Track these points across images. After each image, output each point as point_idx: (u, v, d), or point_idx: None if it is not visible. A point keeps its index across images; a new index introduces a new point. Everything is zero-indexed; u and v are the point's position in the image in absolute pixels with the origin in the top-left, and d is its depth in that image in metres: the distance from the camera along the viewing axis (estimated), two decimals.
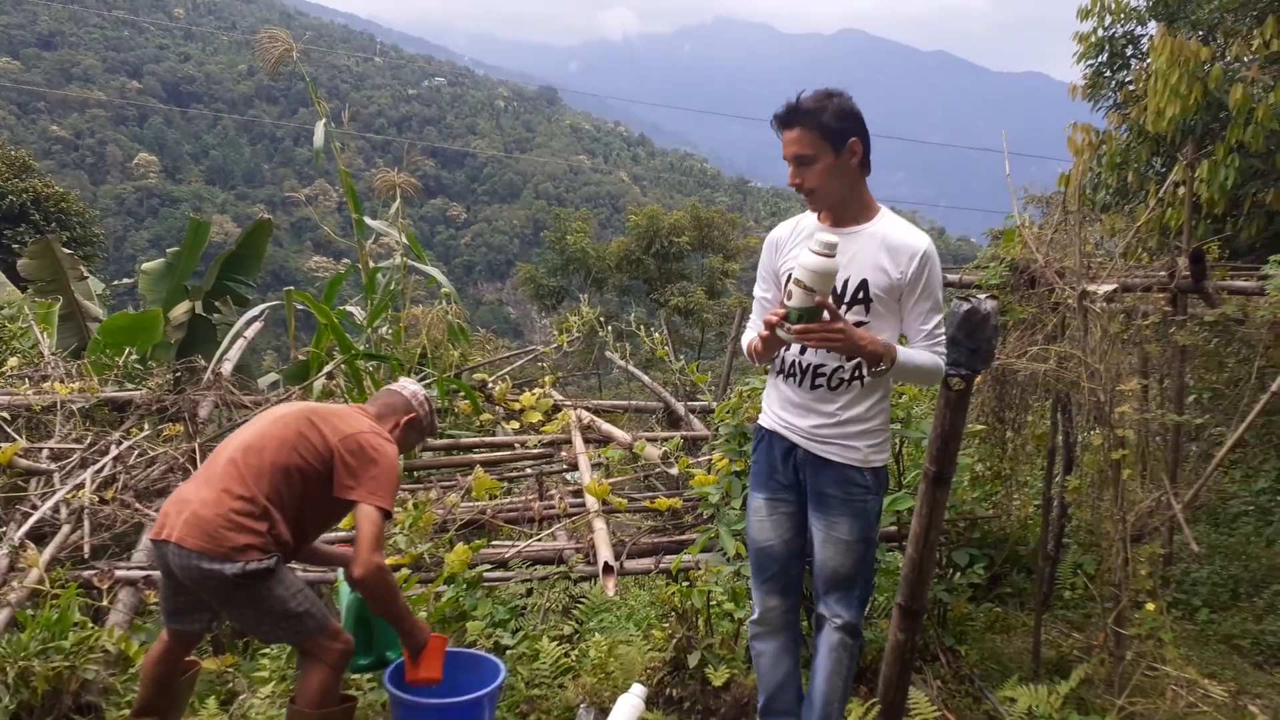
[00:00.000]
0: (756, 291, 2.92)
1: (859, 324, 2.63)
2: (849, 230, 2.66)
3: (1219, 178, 6.99)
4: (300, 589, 2.89)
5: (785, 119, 2.58)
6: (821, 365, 2.71)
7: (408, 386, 3.39)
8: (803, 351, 2.72)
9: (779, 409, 2.85)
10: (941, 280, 2.65)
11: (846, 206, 2.67)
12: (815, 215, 2.77)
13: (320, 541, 3.37)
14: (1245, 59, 7.53)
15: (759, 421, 2.95)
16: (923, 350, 2.66)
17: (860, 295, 2.64)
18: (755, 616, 2.97)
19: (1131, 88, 8.84)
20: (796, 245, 2.76)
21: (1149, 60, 7.91)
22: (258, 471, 2.87)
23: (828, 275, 2.39)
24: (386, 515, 2.94)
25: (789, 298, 2.43)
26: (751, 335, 2.82)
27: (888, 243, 2.62)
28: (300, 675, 2.93)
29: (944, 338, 2.67)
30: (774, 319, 2.51)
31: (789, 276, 2.48)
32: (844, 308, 2.64)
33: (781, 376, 2.81)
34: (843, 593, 2.78)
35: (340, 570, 3.51)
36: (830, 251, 2.37)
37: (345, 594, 3.39)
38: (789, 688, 2.97)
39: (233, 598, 2.80)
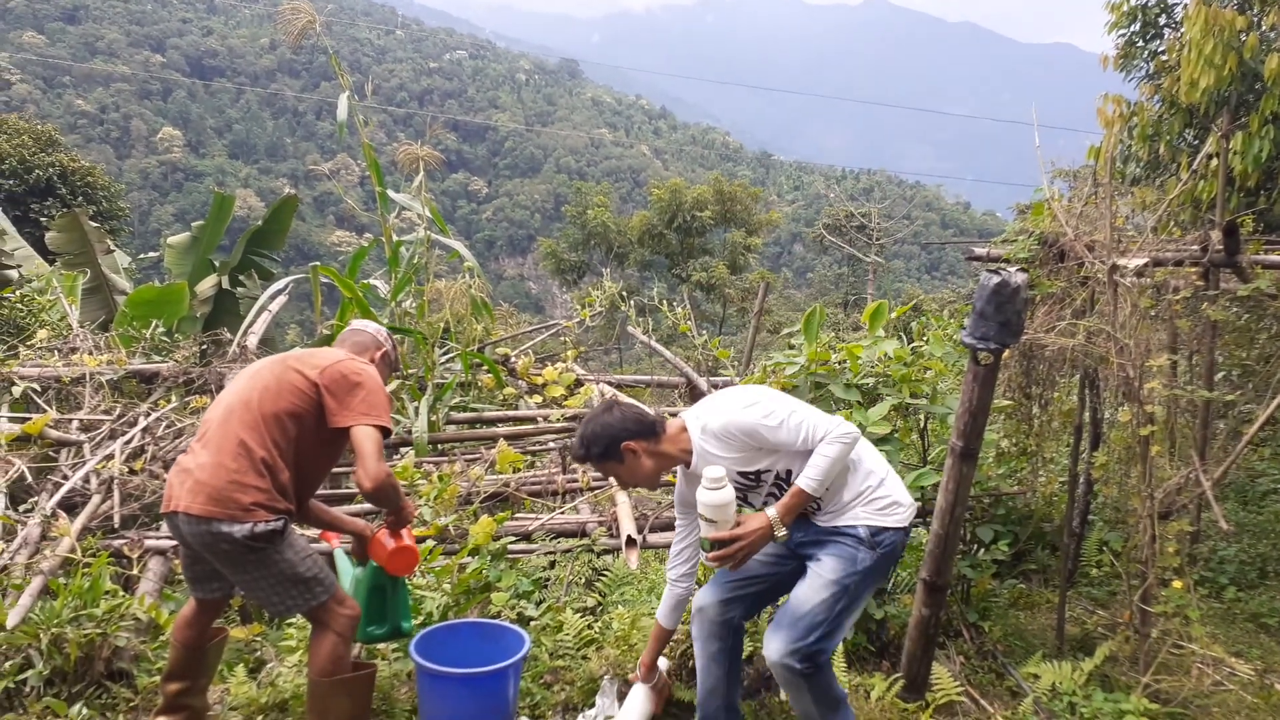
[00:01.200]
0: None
1: (775, 475, 2.81)
2: (697, 469, 2.79)
3: (1253, 149, 6.85)
4: (309, 553, 2.93)
5: (580, 461, 2.93)
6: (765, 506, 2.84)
7: (369, 325, 3.43)
8: (743, 502, 2.91)
9: None
10: (748, 417, 2.73)
11: (675, 462, 2.89)
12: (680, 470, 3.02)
13: (322, 505, 3.39)
14: None
15: None
16: (814, 457, 2.69)
17: (752, 478, 2.84)
18: (694, 607, 3.05)
19: (1164, 58, 8.66)
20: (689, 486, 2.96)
21: (1183, 29, 7.74)
22: (250, 425, 2.88)
23: (724, 506, 2.64)
24: (384, 431, 2.96)
25: (701, 530, 2.71)
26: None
27: (709, 447, 2.79)
28: (311, 644, 2.97)
29: (810, 430, 2.70)
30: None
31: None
32: (759, 494, 2.88)
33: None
34: (795, 635, 2.71)
35: (337, 548, 3.55)
36: (719, 485, 2.63)
37: (346, 571, 3.41)
38: (717, 696, 3.03)
39: (244, 562, 2.82)
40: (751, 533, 2.68)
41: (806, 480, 2.67)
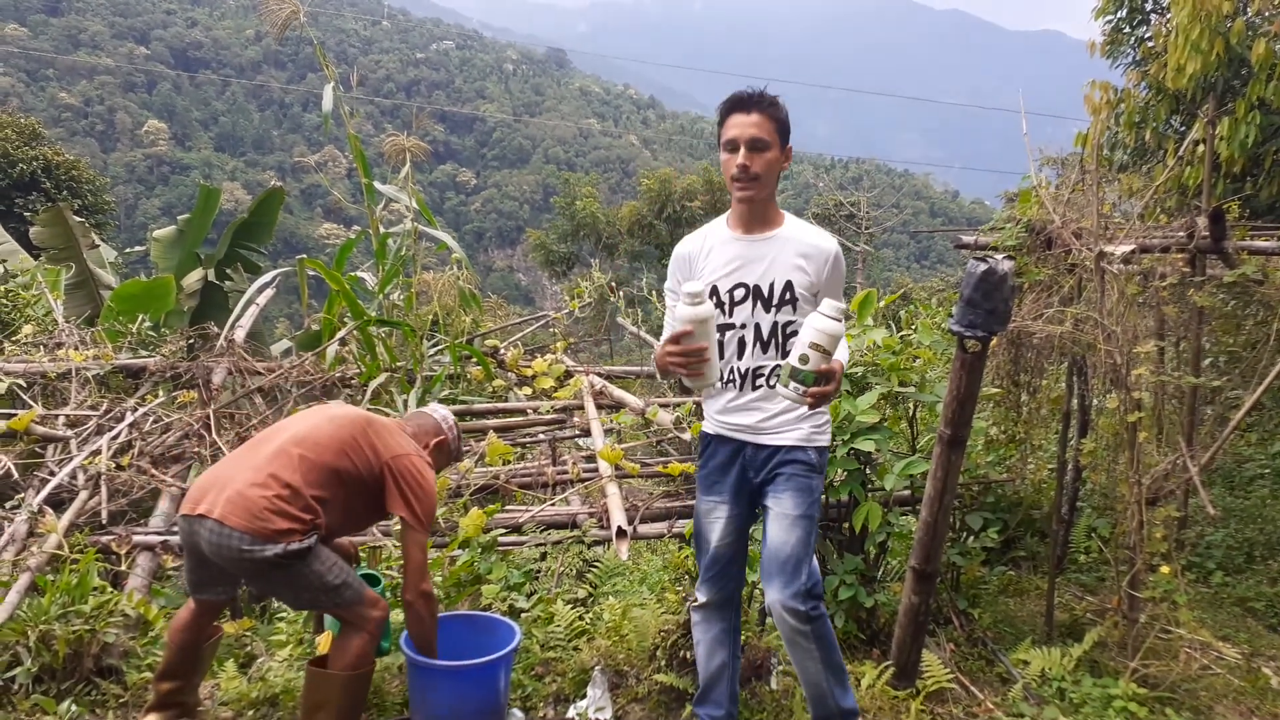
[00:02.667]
0: (669, 301, 2.95)
1: (788, 323, 2.73)
2: (763, 236, 2.75)
3: (1239, 135, 6.87)
4: (335, 561, 2.92)
5: (748, 103, 2.65)
6: (760, 367, 2.77)
7: (438, 410, 3.46)
8: (740, 357, 2.77)
9: (721, 414, 2.87)
10: (842, 268, 2.77)
11: (764, 210, 2.75)
12: (724, 224, 2.82)
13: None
14: (1268, 13, 7.37)
15: (703, 429, 2.98)
16: (843, 350, 2.75)
17: (787, 296, 2.72)
18: (696, 603, 3.04)
19: (1151, 44, 8.68)
20: (710, 256, 2.80)
21: (1169, 15, 7.76)
22: (311, 466, 2.90)
23: (839, 339, 2.47)
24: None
25: (804, 362, 2.45)
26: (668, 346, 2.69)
27: (802, 246, 2.72)
28: (339, 640, 2.97)
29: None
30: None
31: (806, 342, 2.46)
32: (773, 309, 2.73)
33: (720, 383, 2.83)
34: (788, 578, 2.70)
35: None
36: (841, 316, 2.45)
37: None
38: (722, 682, 3.01)
39: (270, 576, 2.82)
40: (840, 377, 2.56)
41: (844, 364, 2.69)
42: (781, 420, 2.77)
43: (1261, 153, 7.32)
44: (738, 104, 2.65)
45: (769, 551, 2.75)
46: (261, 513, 2.75)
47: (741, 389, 2.79)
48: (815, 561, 2.84)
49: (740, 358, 2.78)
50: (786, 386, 2.49)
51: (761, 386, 2.77)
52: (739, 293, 2.75)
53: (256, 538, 2.72)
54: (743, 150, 2.62)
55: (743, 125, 2.63)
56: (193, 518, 2.80)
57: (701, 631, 3.03)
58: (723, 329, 2.76)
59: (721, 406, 2.86)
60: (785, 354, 2.68)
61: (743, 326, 2.76)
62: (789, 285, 2.71)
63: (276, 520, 2.76)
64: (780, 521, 2.74)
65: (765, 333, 2.75)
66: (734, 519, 2.90)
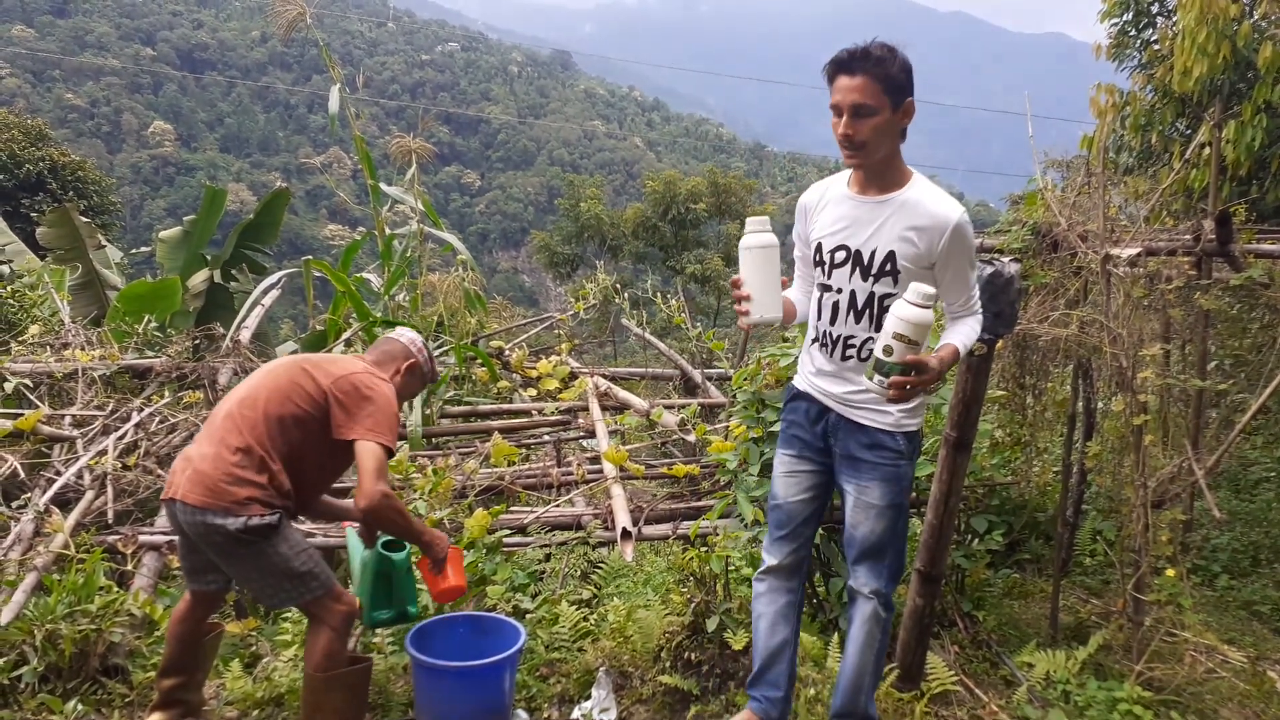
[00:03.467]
0: (795, 253, 2.89)
1: (886, 295, 2.58)
2: (878, 199, 2.59)
3: (1245, 138, 6.86)
4: (304, 548, 2.89)
5: (848, 64, 2.44)
6: (851, 336, 2.67)
7: (405, 334, 3.37)
8: (833, 322, 2.69)
9: (812, 374, 2.81)
10: (969, 237, 2.56)
11: (881, 172, 2.58)
12: (845, 180, 2.69)
13: (328, 497, 3.37)
14: (1275, 16, 7.36)
15: (793, 381, 2.92)
16: (963, 321, 2.65)
17: (888, 268, 2.57)
18: (761, 569, 2.94)
19: (1157, 47, 8.67)
20: (823, 211, 2.72)
21: (1176, 18, 7.75)
22: (253, 422, 2.87)
23: (926, 328, 2.35)
24: (389, 452, 2.92)
25: (887, 354, 2.35)
26: (795, 294, 2.87)
27: (918, 214, 2.53)
28: (307, 639, 2.95)
29: (977, 301, 2.66)
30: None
31: (890, 332, 2.36)
32: (871, 278, 2.60)
33: (816, 344, 2.78)
34: (872, 562, 2.70)
35: (350, 529, 3.53)
36: (929, 303, 2.34)
37: (357, 551, 3.39)
38: (782, 660, 2.90)
39: (236, 554, 2.80)
40: (942, 365, 2.44)
41: (963, 344, 2.57)
42: (868, 398, 2.65)
43: (1268, 156, 7.31)
44: (840, 65, 2.45)
45: (855, 538, 2.71)
46: (217, 485, 2.75)
47: (831, 355, 2.71)
48: (905, 543, 2.80)
49: (833, 323, 2.69)
50: (871, 380, 2.40)
51: (851, 358, 2.68)
52: (839, 255, 2.64)
53: (218, 511, 2.73)
54: (845, 118, 2.46)
55: (845, 90, 2.44)
56: (168, 503, 2.84)
57: (765, 604, 2.91)
58: (822, 289, 2.71)
59: (814, 368, 2.80)
60: (879, 327, 2.56)
61: (839, 291, 2.66)
62: (890, 256, 2.56)
63: (235, 489, 2.76)
64: (866, 510, 2.68)
65: (860, 301, 2.62)
66: (811, 474, 2.82)
